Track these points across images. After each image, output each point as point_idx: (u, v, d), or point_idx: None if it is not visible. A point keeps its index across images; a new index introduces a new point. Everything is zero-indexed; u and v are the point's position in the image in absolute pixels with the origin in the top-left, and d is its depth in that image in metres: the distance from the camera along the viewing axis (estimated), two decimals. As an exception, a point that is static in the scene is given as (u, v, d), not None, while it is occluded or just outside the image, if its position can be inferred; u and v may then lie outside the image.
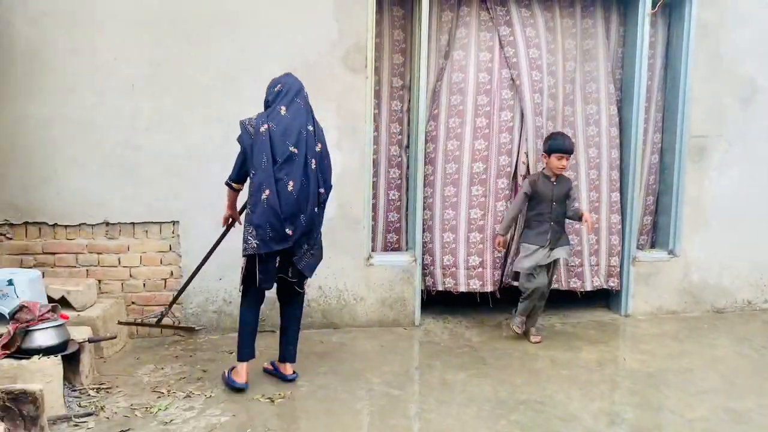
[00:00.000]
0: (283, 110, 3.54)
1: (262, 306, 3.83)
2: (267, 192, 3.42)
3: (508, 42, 4.97)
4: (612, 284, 5.33)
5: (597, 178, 5.20)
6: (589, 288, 5.25)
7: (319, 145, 3.61)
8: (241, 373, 3.71)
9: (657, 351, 4.55)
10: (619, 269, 5.34)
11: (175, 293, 4.34)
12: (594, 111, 5.19)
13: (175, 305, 4.39)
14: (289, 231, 3.47)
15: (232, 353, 4.20)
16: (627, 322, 5.24)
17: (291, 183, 3.45)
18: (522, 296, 4.64)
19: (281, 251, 3.55)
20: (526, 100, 4.95)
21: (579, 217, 4.63)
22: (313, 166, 3.53)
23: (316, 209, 3.59)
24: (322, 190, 3.62)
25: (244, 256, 3.58)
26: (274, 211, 3.42)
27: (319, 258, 3.78)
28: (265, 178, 3.43)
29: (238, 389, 3.67)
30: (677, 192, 5.35)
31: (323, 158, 3.66)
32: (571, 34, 5.14)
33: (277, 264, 3.61)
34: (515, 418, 3.46)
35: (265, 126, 3.48)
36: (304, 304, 4.02)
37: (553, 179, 4.55)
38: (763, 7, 5.28)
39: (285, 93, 3.59)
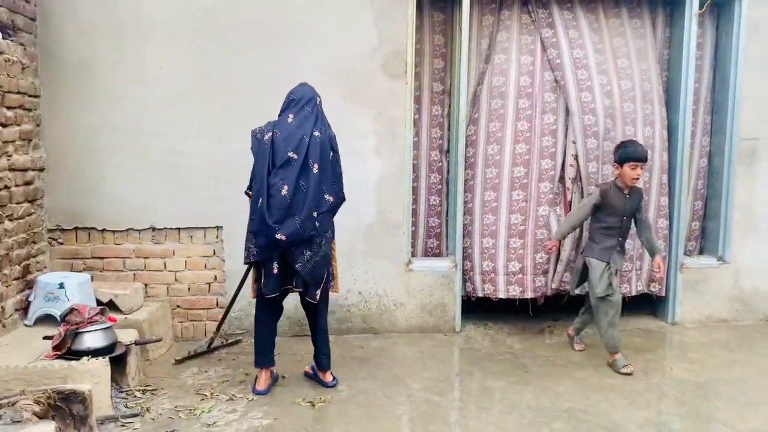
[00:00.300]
0: (290, 118, 3.59)
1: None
2: (260, 200, 3.48)
3: (551, 44, 4.90)
4: (653, 289, 5.20)
5: (648, 181, 5.06)
6: (633, 293, 5.12)
7: (330, 153, 3.62)
8: (260, 379, 3.79)
9: (706, 360, 4.41)
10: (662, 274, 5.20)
11: (222, 315, 4.45)
12: (649, 111, 5.06)
13: (219, 309, 4.49)
14: (280, 236, 3.43)
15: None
16: (674, 330, 5.10)
17: (285, 187, 3.46)
18: (589, 313, 4.46)
19: (281, 259, 3.55)
20: (572, 99, 4.86)
21: (651, 252, 4.41)
22: (315, 171, 3.51)
23: (316, 214, 3.53)
24: (330, 198, 3.61)
25: (244, 264, 3.75)
26: (263, 217, 3.45)
27: (324, 266, 3.66)
28: (260, 186, 3.50)
29: (259, 394, 3.74)
30: (726, 197, 5.19)
31: (333, 165, 3.65)
32: (619, 33, 5.04)
33: (275, 270, 3.56)
34: (557, 426, 3.40)
35: (269, 134, 3.55)
36: (328, 312, 3.96)
37: (626, 191, 4.25)
38: (818, 4, 5.10)
39: (296, 102, 3.64)
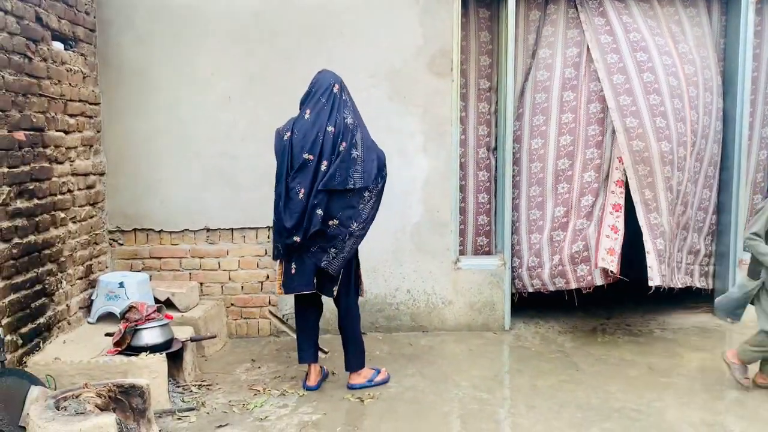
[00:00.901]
0: (307, 114, 3.60)
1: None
2: (280, 202, 3.56)
3: (605, 30, 4.74)
4: (702, 284, 5.05)
5: (698, 172, 4.89)
6: (679, 285, 4.91)
7: (343, 144, 3.51)
8: (310, 375, 3.86)
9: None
10: (708, 269, 5.07)
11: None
12: (709, 100, 4.89)
13: (271, 307, 4.59)
14: (296, 238, 3.52)
15: (326, 354, 4.34)
16: (733, 328, 4.92)
17: (302, 191, 3.50)
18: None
19: (300, 259, 3.60)
20: (634, 80, 4.65)
21: None
22: (323, 168, 3.49)
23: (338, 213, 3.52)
24: (353, 185, 3.51)
25: (273, 260, 3.90)
26: (281, 220, 3.55)
27: (345, 257, 3.61)
28: (280, 187, 3.57)
29: (310, 390, 3.81)
30: (788, 190, 4.99)
31: (347, 154, 3.52)
32: (675, 21, 4.89)
33: (293, 271, 3.63)
34: (608, 426, 3.35)
35: (288, 134, 3.59)
36: (359, 317, 3.92)
37: None
38: None
39: (313, 94, 3.64)
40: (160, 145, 4.72)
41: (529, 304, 5.21)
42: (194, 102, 4.69)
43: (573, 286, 4.85)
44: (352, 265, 3.79)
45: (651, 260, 4.55)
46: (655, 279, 4.53)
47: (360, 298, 3.93)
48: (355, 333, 3.86)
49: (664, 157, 4.58)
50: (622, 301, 5.44)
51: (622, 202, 4.68)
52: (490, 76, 5.05)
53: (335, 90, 3.62)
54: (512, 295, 5.01)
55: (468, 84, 5.02)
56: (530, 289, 4.97)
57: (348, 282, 3.78)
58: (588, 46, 4.78)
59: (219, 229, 4.78)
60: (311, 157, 3.50)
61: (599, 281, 4.77)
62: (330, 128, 3.52)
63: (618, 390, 3.80)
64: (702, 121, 4.81)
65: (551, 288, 4.89)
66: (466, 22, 4.95)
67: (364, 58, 4.71)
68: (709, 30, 4.98)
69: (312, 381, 3.84)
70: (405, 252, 4.87)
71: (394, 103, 4.76)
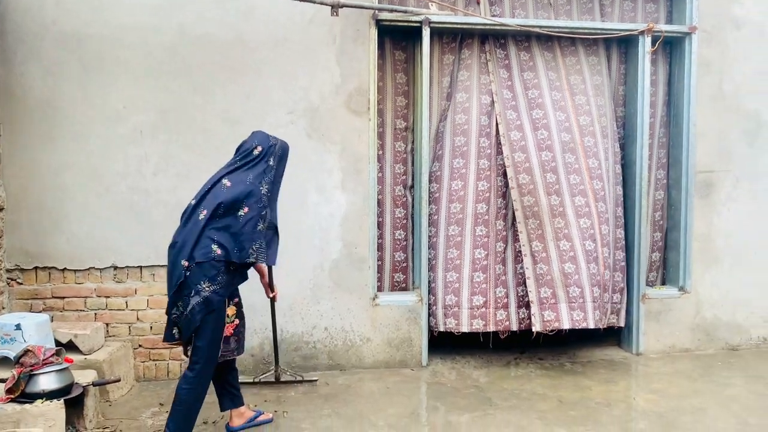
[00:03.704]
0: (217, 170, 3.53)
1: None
2: None
3: (507, 86, 5.06)
4: (613, 321, 5.26)
5: (605, 212, 5.15)
6: (592, 325, 5.11)
7: (242, 208, 3.34)
8: (232, 418, 3.78)
9: (669, 390, 4.45)
10: (620, 305, 5.28)
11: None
12: (608, 146, 5.19)
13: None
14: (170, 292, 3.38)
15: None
16: (638, 360, 5.15)
17: (174, 236, 3.43)
18: None
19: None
20: (528, 137, 4.97)
21: None
22: (201, 217, 3.31)
23: (186, 263, 3.28)
24: (216, 250, 3.28)
25: None
26: None
27: (193, 321, 3.29)
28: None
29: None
30: (685, 228, 5.31)
31: (235, 220, 3.32)
32: (576, 71, 5.20)
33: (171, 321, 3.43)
34: (520, 460, 3.40)
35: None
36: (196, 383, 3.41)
37: None
38: (762, 44, 5.31)
39: (236, 150, 3.55)
40: (67, 178, 4.52)
41: (447, 340, 5.27)
42: (104, 135, 4.54)
43: (491, 329, 5.01)
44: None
45: (534, 309, 4.88)
46: (536, 325, 4.86)
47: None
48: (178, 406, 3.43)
49: (554, 209, 4.90)
50: (534, 335, 5.58)
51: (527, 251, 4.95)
52: (406, 116, 5.16)
53: (255, 152, 3.47)
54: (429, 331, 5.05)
55: (385, 123, 5.12)
56: (442, 328, 5.02)
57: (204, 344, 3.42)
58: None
59: (127, 266, 4.60)
60: (194, 201, 3.40)
61: (515, 327, 5.05)
62: (225, 181, 3.38)
63: (529, 424, 3.87)
64: (603, 165, 5.09)
65: (465, 329, 4.98)
66: (383, 64, 5.07)
67: (283, 94, 4.72)
68: (608, 79, 5.31)
69: (234, 422, 3.74)
70: (323, 288, 4.83)
71: (312, 140, 4.77)
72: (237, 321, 3.57)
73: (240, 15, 4.65)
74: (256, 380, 4.51)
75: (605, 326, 5.12)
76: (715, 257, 5.36)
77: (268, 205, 3.44)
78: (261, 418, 3.83)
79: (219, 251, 3.29)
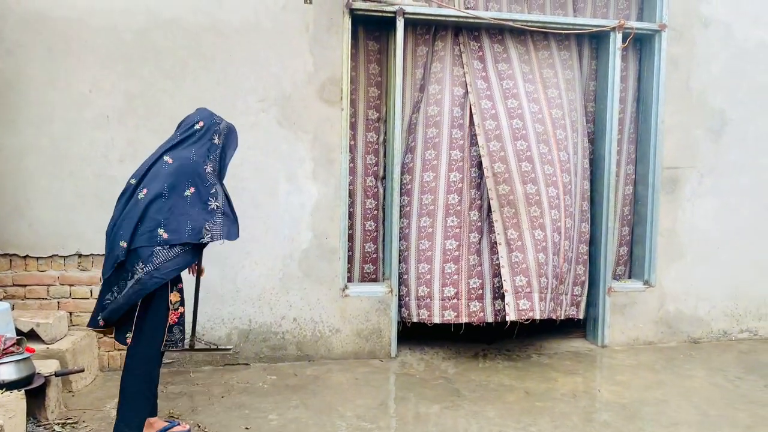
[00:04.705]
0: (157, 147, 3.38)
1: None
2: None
3: (481, 76, 5.05)
4: (572, 312, 5.34)
5: (570, 206, 5.20)
6: (538, 316, 5.05)
7: (187, 185, 3.19)
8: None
9: (632, 382, 4.54)
10: (581, 298, 5.37)
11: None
12: (577, 140, 5.24)
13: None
14: (106, 275, 3.22)
15: (195, 386, 4.17)
16: (603, 352, 5.24)
17: (111, 218, 3.28)
18: None
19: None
20: (504, 126, 4.97)
21: None
22: (141, 196, 3.15)
23: (125, 244, 3.11)
24: (162, 233, 3.13)
25: None
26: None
27: (127, 304, 3.16)
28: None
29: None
30: (651, 223, 5.40)
31: (181, 199, 3.18)
32: (549, 64, 5.22)
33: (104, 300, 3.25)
34: (486, 451, 3.43)
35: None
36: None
37: None
38: (728, 42, 5.42)
39: (177, 127, 3.42)
40: (30, 163, 4.40)
41: (416, 331, 5.28)
42: (69, 119, 4.43)
43: (463, 320, 5.00)
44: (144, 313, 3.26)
45: (509, 298, 4.85)
46: (510, 314, 4.83)
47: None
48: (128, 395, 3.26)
49: (530, 198, 4.91)
50: (502, 327, 5.63)
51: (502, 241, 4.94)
52: (378, 107, 5.14)
53: (197, 127, 3.32)
54: (398, 322, 5.06)
55: (357, 113, 5.09)
56: (415, 319, 5.03)
57: (145, 331, 3.26)
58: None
59: (92, 254, 4.49)
60: (133, 181, 3.23)
61: (490, 319, 5.03)
62: (166, 158, 3.22)
63: (496, 415, 3.91)
64: (572, 159, 5.14)
65: (437, 320, 4.99)
66: (356, 53, 5.03)
67: (254, 81, 4.65)
68: (579, 74, 5.35)
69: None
70: (293, 279, 4.80)
71: (283, 128, 4.72)
72: (182, 309, 3.37)
73: None
74: (168, 348, 3.62)
75: (562, 318, 5.19)
76: (679, 252, 5.47)
77: (217, 183, 3.29)
78: (175, 429, 3.44)
79: (166, 235, 3.13)
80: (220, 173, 3.37)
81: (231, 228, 3.33)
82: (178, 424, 3.48)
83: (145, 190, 3.15)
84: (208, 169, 3.27)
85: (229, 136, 3.44)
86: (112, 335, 3.38)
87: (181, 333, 3.40)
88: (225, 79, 4.61)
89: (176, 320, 3.33)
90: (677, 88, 5.35)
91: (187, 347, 3.73)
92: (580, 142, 5.25)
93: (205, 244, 3.30)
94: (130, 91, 4.50)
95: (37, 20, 4.35)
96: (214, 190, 3.26)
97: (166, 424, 3.44)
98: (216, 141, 3.33)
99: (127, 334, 3.22)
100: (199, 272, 3.59)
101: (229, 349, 4.46)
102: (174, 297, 3.29)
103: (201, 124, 3.31)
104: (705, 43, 5.38)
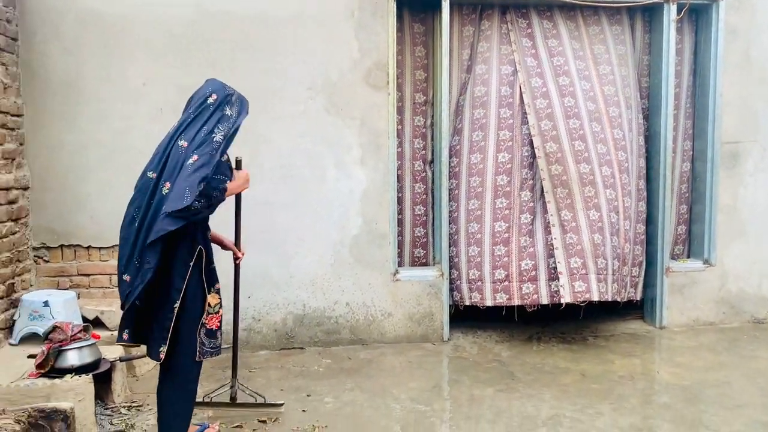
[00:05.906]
0: (172, 127, 3.08)
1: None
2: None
3: (531, 54, 4.95)
4: (631, 294, 5.21)
5: (627, 184, 5.06)
6: (610, 298, 4.96)
7: (195, 157, 2.86)
8: None
9: (693, 363, 4.43)
10: (638, 279, 5.23)
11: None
12: (631, 117, 5.09)
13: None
14: (125, 278, 2.88)
15: (253, 371, 4.27)
16: (662, 333, 5.11)
17: (130, 217, 2.95)
18: None
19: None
20: (555, 105, 4.87)
21: None
22: (165, 191, 2.83)
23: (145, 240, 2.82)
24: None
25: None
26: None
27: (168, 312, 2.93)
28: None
29: None
30: (710, 200, 5.22)
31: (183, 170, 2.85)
32: (600, 40, 5.08)
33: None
34: (542, 433, 3.41)
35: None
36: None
37: None
38: (794, 8, 5.16)
39: (185, 107, 3.14)
40: (90, 157, 4.56)
41: (468, 315, 5.27)
42: (125, 113, 4.56)
43: (516, 302, 4.94)
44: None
45: (563, 279, 4.75)
46: (565, 296, 4.74)
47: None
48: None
49: (583, 178, 4.79)
50: (556, 310, 5.56)
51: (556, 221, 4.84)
52: (425, 90, 5.11)
53: (209, 101, 3.03)
54: (450, 306, 5.05)
55: (404, 98, 5.07)
56: (467, 302, 5.02)
57: (180, 344, 3.01)
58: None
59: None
60: (154, 175, 2.90)
61: (545, 301, 4.91)
62: (181, 142, 2.91)
63: (552, 398, 3.87)
64: (627, 137, 5.00)
65: (489, 303, 4.95)
66: (401, 37, 5.00)
67: (301, 70, 4.69)
68: (632, 48, 5.19)
69: None
70: (344, 264, 4.85)
71: (331, 115, 4.75)
72: (221, 311, 3.13)
73: (257, -10, 4.61)
74: (206, 400, 3.68)
75: (624, 300, 5.08)
76: (740, 229, 5.27)
77: (217, 155, 2.93)
78: None
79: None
80: (228, 142, 3.05)
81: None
82: (208, 426, 3.43)
83: (168, 184, 2.85)
84: (216, 137, 2.96)
85: (242, 106, 3.20)
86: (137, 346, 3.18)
87: (221, 338, 3.16)
88: (272, 68, 4.66)
89: (218, 324, 3.10)
90: (736, 59, 5.13)
91: (228, 400, 3.66)
92: (634, 119, 5.10)
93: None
94: (182, 84, 4.58)
95: (92, 17, 4.49)
96: (219, 158, 2.95)
97: (197, 428, 3.37)
98: (228, 112, 3.06)
99: (161, 348, 2.97)
100: (239, 259, 3.47)
101: (281, 405, 3.72)
102: (213, 299, 3.08)
103: (214, 97, 3.05)
104: (766, 11, 5.13)
